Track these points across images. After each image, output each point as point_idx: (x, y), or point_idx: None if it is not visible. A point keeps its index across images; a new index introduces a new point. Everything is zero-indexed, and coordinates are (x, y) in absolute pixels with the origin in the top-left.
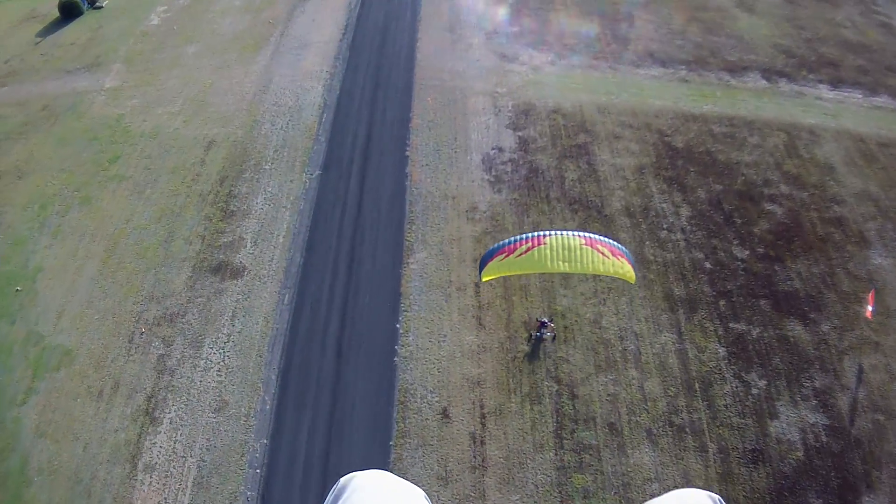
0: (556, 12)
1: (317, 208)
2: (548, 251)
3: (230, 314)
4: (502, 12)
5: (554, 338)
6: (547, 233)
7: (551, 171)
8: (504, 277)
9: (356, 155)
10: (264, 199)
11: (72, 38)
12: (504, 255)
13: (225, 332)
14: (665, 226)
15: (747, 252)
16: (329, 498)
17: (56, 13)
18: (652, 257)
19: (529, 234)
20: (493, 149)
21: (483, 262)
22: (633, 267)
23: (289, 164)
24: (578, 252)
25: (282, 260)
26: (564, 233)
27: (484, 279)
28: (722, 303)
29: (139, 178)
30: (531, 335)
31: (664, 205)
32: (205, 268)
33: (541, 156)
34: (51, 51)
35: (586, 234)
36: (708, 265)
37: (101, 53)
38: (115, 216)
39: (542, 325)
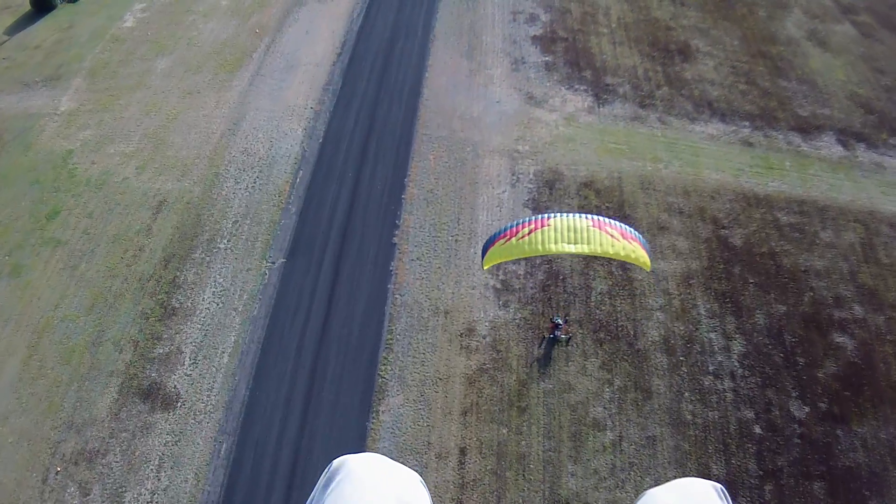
0: (599, 36)
1: (273, 316)
2: (552, 232)
3: (157, 462)
4: (534, 33)
5: (569, 340)
6: (551, 214)
7: (575, 277)
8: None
9: (332, 237)
10: (213, 293)
11: (39, 39)
12: (506, 238)
13: (149, 486)
14: (711, 368)
15: (807, 409)
16: (321, 480)
17: (28, 5)
18: (690, 417)
19: (532, 217)
20: None
21: (485, 249)
22: (648, 253)
23: (248, 245)
24: (586, 233)
25: (223, 390)
26: (570, 215)
27: (486, 266)
28: (768, 488)
29: (76, 245)
30: (544, 338)
31: (713, 335)
32: (133, 389)
33: (564, 258)
34: (14, 54)
35: (594, 216)
36: (758, 430)
37: (65, 62)
38: (45, 297)
39: (556, 326)
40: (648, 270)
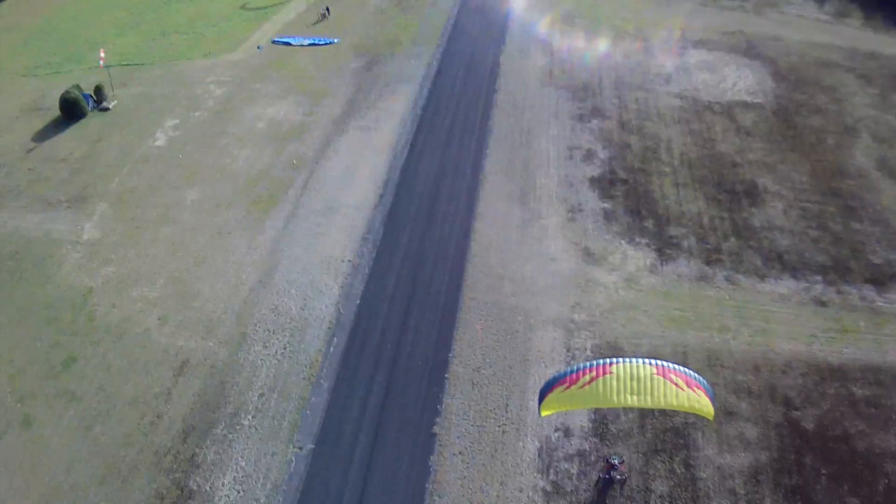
0: (661, 177)
1: None
2: (614, 382)
3: None
4: (591, 173)
5: (625, 482)
6: (614, 360)
7: (633, 476)
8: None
9: (366, 422)
10: (234, 478)
11: (66, 151)
12: (565, 385)
13: None
14: None
15: None
16: None
17: (58, 109)
18: None
19: (594, 363)
20: (556, 429)
21: (542, 394)
22: (712, 400)
23: (274, 424)
24: (649, 383)
25: None
26: (633, 361)
27: (543, 413)
28: None
29: (92, 402)
30: (599, 477)
31: None
32: None
33: (621, 447)
34: (40, 165)
35: (658, 363)
36: None
37: (91, 182)
38: (56, 458)
39: (612, 466)
40: (711, 420)
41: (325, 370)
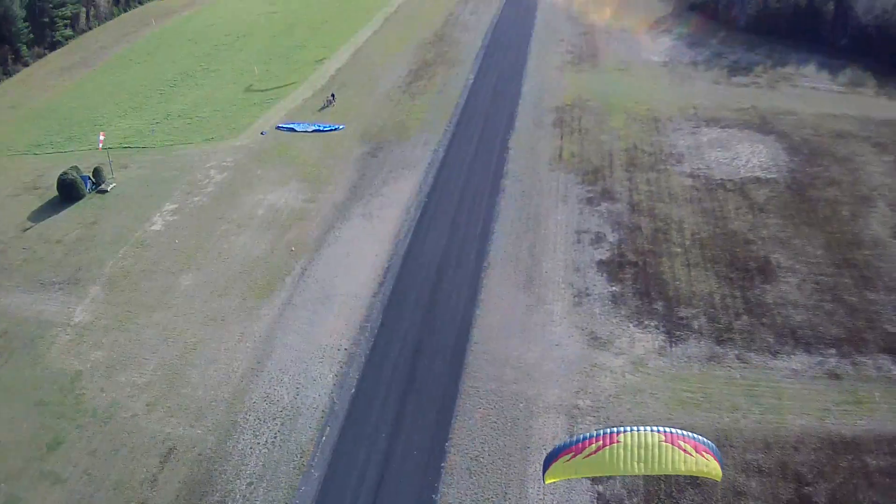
0: (672, 258)
1: None
2: (621, 450)
3: None
4: (600, 257)
5: None
6: (622, 429)
7: None
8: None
9: None
10: None
11: (62, 232)
12: (571, 454)
13: None
14: None
15: None
16: None
17: (56, 191)
18: None
19: (601, 431)
20: None
21: (547, 462)
22: (720, 463)
23: None
24: (657, 450)
25: None
26: (641, 429)
27: (547, 481)
28: None
29: (76, 485)
30: None
31: None
32: None
33: None
34: (35, 245)
35: (666, 430)
36: None
37: (84, 265)
38: None
39: None
40: (719, 481)
41: (316, 459)
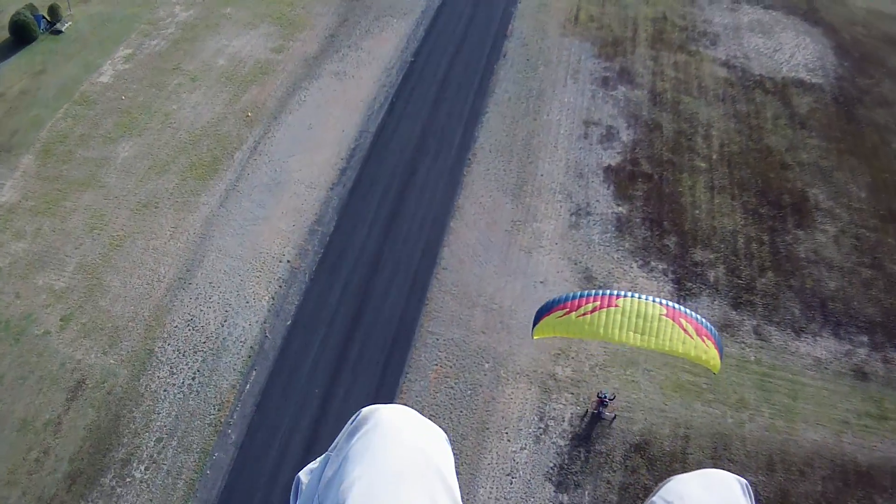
0: (695, 175)
1: None
2: (618, 316)
3: None
4: (609, 161)
5: (613, 419)
6: (621, 293)
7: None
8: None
9: (275, 493)
10: None
11: (6, 84)
12: (565, 310)
13: None
14: None
15: None
16: (347, 428)
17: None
18: None
19: (600, 292)
20: None
21: (539, 316)
22: (721, 352)
23: (168, 483)
24: (656, 323)
25: None
26: (642, 297)
27: (535, 336)
28: None
29: None
30: (587, 411)
31: None
32: None
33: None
34: None
35: (669, 304)
36: None
37: (21, 128)
38: None
39: (602, 401)
40: (716, 373)
41: (235, 416)
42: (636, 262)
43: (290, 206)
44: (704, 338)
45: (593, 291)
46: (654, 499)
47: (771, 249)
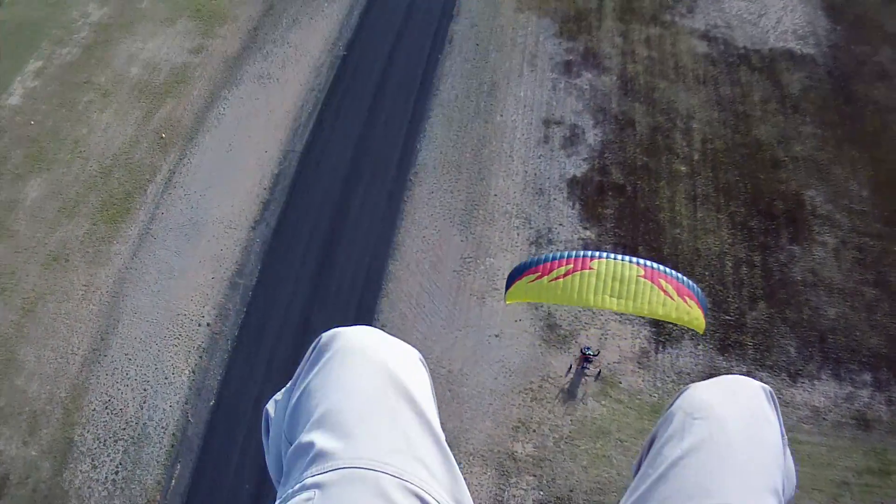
0: (674, 182)
1: None
2: (593, 279)
3: None
4: (573, 171)
5: (598, 375)
6: (596, 254)
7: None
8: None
9: None
10: None
11: None
12: (538, 274)
13: None
14: None
15: None
16: (309, 356)
17: None
18: None
19: (573, 253)
20: None
21: (511, 279)
22: (705, 312)
23: None
24: (633, 286)
25: None
26: (618, 258)
27: (508, 301)
28: None
29: None
30: (571, 366)
31: None
32: None
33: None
34: None
35: (647, 264)
36: None
37: None
38: None
39: (587, 358)
40: (701, 333)
41: None
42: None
43: (208, 254)
44: (686, 297)
45: (566, 253)
46: (674, 411)
47: (763, 273)
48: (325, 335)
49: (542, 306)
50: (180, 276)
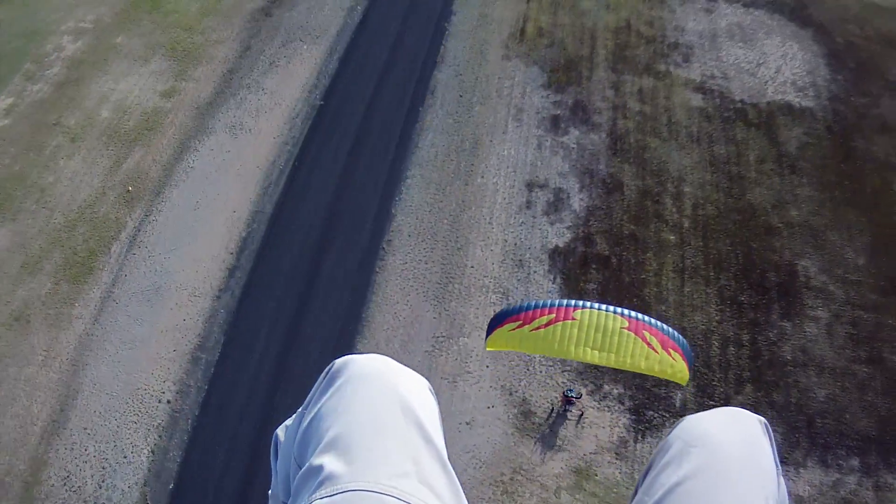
0: (662, 253)
1: None
2: (575, 330)
3: None
4: (555, 241)
5: (581, 419)
6: (579, 304)
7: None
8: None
9: None
10: None
11: None
12: (519, 322)
13: None
14: None
15: None
16: (321, 381)
17: None
18: None
19: (556, 302)
20: None
21: (491, 327)
22: (690, 364)
23: None
24: (616, 338)
25: None
26: (602, 308)
27: (489, 348)
28: None
29: None
30: (553, 409)
31: None
32: None
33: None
34: None
35: (631, 315)
36: None
37: None
38: None
39: (569, 400)
40: (684, 385)
41: None
42: (584, 386)
43: (170, 323)
44: (670, 350)
45: (549, 302)
46: (672, 440)
47: (751, 353)
48: (338, 361)
49: (516, 391)
50: (141, 346)
